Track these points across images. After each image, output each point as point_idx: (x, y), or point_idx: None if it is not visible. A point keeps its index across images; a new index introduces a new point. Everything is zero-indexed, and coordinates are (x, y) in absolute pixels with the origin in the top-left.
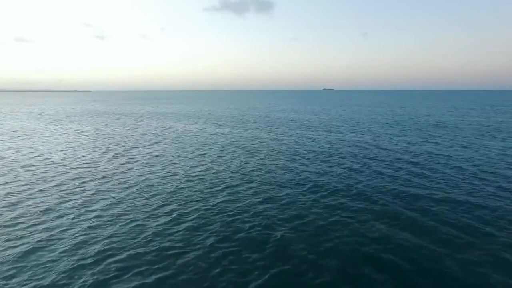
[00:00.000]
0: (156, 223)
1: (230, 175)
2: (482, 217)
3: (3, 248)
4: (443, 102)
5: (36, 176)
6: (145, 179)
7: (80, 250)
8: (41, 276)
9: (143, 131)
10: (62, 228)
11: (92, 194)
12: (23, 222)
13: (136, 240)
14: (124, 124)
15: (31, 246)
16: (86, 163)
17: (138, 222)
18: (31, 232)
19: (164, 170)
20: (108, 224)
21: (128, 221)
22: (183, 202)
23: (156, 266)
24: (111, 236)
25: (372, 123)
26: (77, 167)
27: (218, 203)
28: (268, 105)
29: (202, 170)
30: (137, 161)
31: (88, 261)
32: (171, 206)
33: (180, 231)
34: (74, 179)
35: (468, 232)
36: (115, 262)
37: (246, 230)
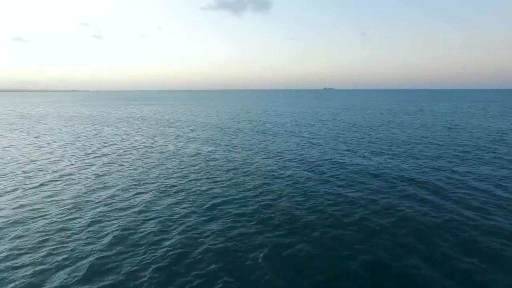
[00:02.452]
0: None
1: None
2: None
3: None
4: (461, 103)
5: None
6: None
7: None
8: None
9: (71, 148)
10: None
11: None
12: None
13: None
14: (68, 136)
15: None
16: None
17: None
18: None
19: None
20: None
21: None
22: None
23: None
24: None
25: (411, 143)
26: None
27: None
28: (265, 106)
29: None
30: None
31: None
32: None
33: None
34: None
35: None
36: None
37: None
